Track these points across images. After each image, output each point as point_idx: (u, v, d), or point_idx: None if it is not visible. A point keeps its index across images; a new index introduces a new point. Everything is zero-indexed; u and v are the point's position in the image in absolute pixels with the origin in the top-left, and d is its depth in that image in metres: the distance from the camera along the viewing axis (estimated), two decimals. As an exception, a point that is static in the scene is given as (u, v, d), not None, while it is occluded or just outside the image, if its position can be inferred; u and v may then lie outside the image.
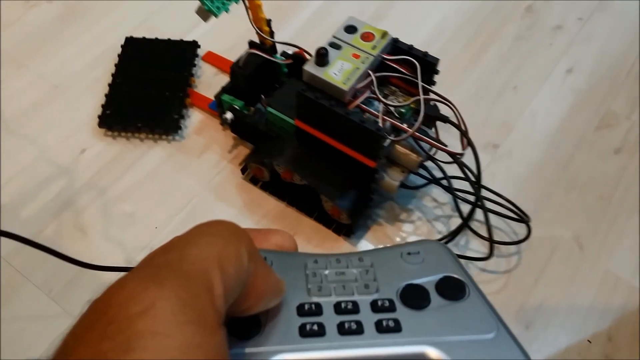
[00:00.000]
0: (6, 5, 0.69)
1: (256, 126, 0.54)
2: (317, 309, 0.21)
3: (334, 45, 0.47)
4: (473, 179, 0.49)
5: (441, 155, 0.49)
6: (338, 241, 0.54)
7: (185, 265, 0.17)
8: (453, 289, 0.22)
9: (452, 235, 0.52)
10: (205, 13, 0.47)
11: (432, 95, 0.48)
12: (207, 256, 0.18)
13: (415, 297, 0.22)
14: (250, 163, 0.55)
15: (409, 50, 0.49)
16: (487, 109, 0.63)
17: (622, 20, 0.70)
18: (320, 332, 0.20)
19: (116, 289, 0.17)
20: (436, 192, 0.56)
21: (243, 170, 0.57)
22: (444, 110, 0.49)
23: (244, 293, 0.19)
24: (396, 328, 0.20)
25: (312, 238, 0.54)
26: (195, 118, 0.61)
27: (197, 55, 0.65)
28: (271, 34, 0.55)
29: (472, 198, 0.51)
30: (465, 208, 0.52)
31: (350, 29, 0.48)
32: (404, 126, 0.47)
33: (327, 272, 0.23)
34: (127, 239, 0.53)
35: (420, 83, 0.47)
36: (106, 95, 0.61)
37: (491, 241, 0.50)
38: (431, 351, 0.20)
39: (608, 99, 0.63)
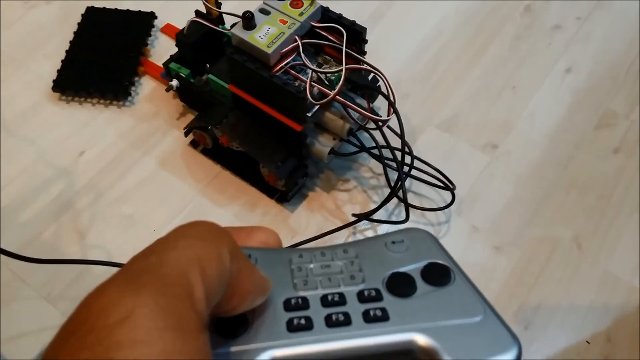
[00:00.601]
0: (6, 5, 0.69)
1: (200, 94, 0.56)
2: (304, 303, 0.21)
3: (263, 11, 0.49)
4: (409, 151, 0.52)
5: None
6: (275, 207, 0.55)
7: (164, 269, 0.17)
8: (438, 274, 0.22)
9: (383, 203, 0.52)
10: None
11: (364, 65, 0.50)
12: (187, 259, 0.18)
13: (401, 285, 0.22)
14: (192, 129, 0.56)
15: (338, 18, 0.51)
16: (486, 109, 0.63)
17: (621, 20, 0.70)
18: (308, 325, 0.20)
19: (96, 296, 0.17)
20: (373, 162, 0.57)
21: (194, 144, 0.58)
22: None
23: (228, 293, 0.19)
24: (384, 317, 0.20)
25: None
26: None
27: (153, 26, 0.67)
28: (217, 4, 0.56)
29: (405, 168, 0.52)
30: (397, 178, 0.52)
31: None
32: (329, 91, 0.48)
33: (312, 265, 0.23)
34: (127, 241, 0.54)
35: (344, 49, 0.49)
36: (62, 61, 0.63)
37: (408, 205, 0.52)
38: (420, 337, 0.20)
39: (607, 99, 0.63)
